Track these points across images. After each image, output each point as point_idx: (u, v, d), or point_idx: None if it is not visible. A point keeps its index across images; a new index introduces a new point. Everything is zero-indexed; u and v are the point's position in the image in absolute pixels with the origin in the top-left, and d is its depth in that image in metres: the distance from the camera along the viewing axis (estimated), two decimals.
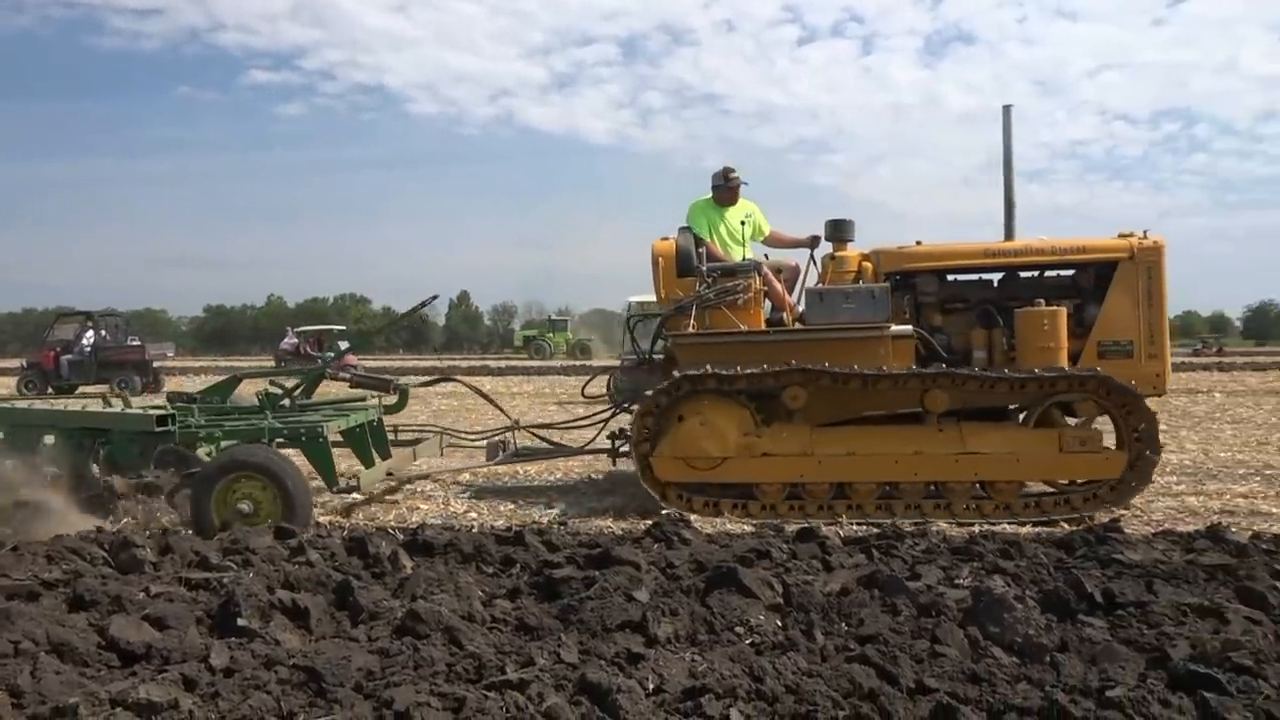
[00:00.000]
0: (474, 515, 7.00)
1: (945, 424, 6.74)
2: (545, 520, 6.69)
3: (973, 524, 6.38)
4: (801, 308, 7.30)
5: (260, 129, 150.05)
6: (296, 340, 32.26)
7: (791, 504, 6.74)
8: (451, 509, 7.25)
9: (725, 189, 7.76)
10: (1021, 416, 6.94)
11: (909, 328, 6.94)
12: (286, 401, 7.37)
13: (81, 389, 22.20)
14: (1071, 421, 6.81)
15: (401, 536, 5.14)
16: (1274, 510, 6.76)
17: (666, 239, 7.57)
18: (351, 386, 8.10)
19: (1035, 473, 6.72)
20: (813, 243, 7.71)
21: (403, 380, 8.31)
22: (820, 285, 7.31)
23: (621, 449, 7.70)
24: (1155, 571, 4.23)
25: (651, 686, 2.96)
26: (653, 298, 22.89)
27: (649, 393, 6.86)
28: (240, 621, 3.52)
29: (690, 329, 7.01)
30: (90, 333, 23.09)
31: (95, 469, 6.40)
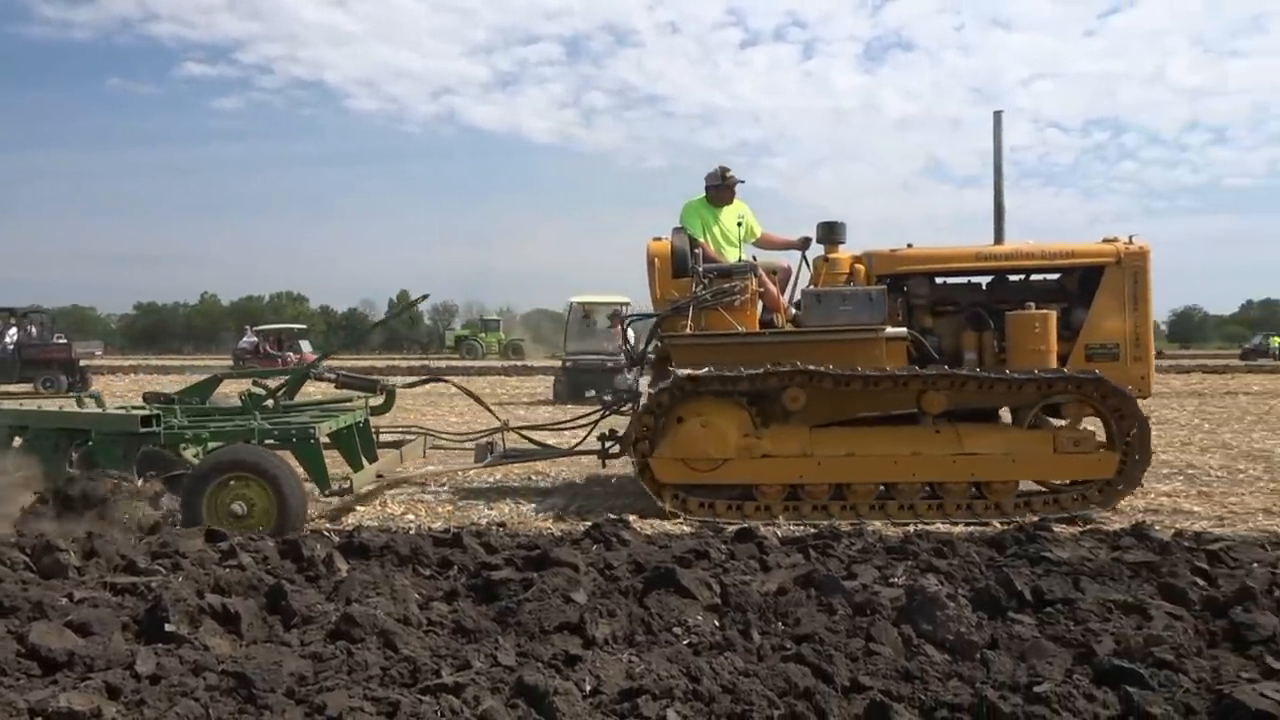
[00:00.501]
0: (411, 517, 6.93)
1: (942, 425, 6.84)
2: (484, 522, 6.64)
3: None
4: (793, 310, 7.39)
5: (196, 123, 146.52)
6: (256, 339, 31.93)
7: (791, 504, 6.78)
8: (389, 510, 7.17)
9: (722, 188, 7.75)
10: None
11: (904, 330, 7.04)
12: (270, 402, 7.21)
13: (4, 388, 21.52)
14: (1058, 423, 6.96)
15: (337, 539, 5.06)
16: (1196, 509, 6.96)
17: (660, 239, 7.54)
18: (337, 387, 7.97)
19: (1030, 473, 6.85)
20: (803, 244, 7.75)
21: (388, 381, 8.19)
22: (813, 287, 7.37)
23: (611, 450, 7.69)
24: (1082, 569, 4.33)
25: (589, 688, 2.96)
26: (595, 298, 22.73)
27: (651, 392, 6.84)
28: (168, 627, 3.44)
29: (687, 330, 7.04)
30: (13, 330, 22.41)
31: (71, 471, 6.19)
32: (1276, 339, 44.50)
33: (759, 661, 3.28)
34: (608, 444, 7.72)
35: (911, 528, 6.19)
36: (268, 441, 6.21)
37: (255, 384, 7.39)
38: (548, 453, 8.20)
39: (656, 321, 7.49)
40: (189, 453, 6.52)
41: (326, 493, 6.29)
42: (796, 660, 3.16)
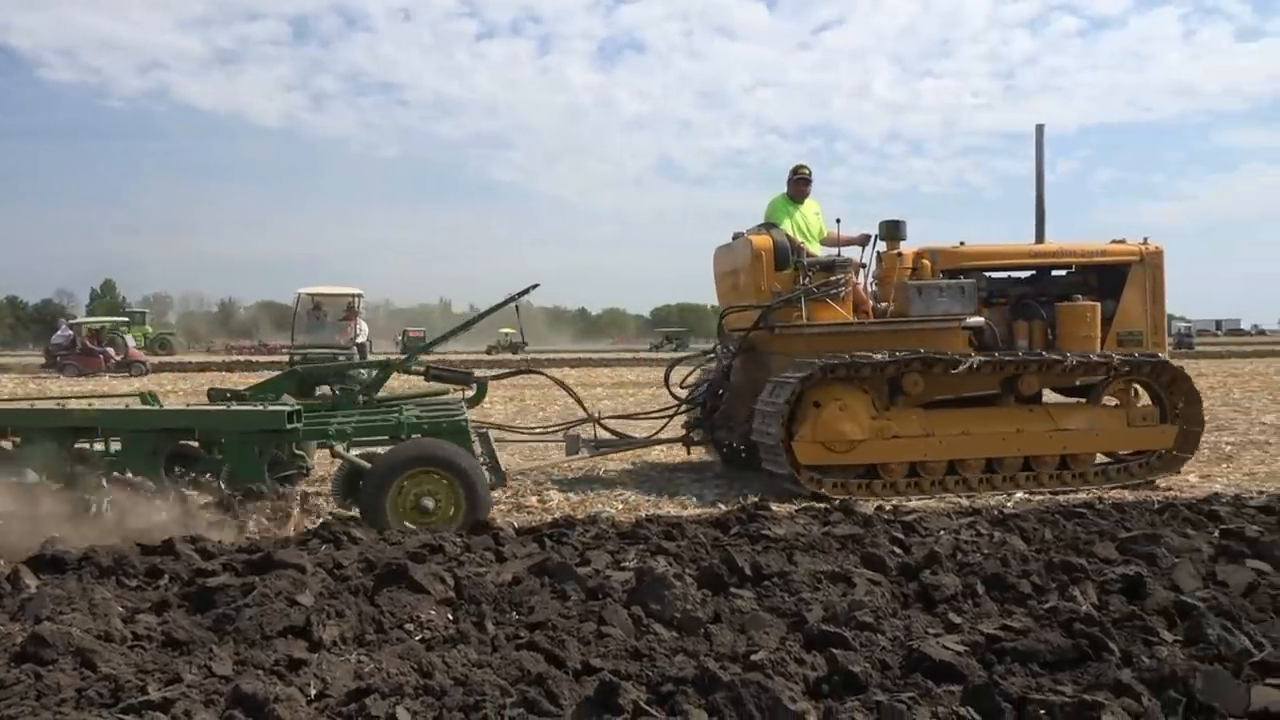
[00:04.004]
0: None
1: (1033, 405, 7.65)
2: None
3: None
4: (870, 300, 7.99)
5: None
6: (71, 333, 28.48)
7: (911, 481, 7.35)
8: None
9: (796, 182, 8.22)
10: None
11: (981, 319, 7.72)
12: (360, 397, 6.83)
13: None
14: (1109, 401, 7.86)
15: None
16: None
17: (757, 233, 7.97)
18: (427, 380, 7.46)
19: (1108, 444, 7.76)
20: (864, 241, 8.26)
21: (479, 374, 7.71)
22: (877, 280, 8.17)
23: (695, 438, 8.42)
24: (796, 544, 4.65)
25: (314, 692, 2.84)
26: (326, 289, 21.67)
27: (796, 377, 7.12)
28: None
29: (802, 320, 7.58)
30: None
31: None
32: None
33: (493, 652, 3.27)
34: (692, 432, 8.41)
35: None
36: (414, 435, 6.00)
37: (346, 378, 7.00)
38: (633, 443, 8.37)
39: (764, 311, 7.73)
40: (340, 448, 5.97)
41: None
42: (529, 648, 3.18)
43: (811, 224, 8.32)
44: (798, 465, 7.17)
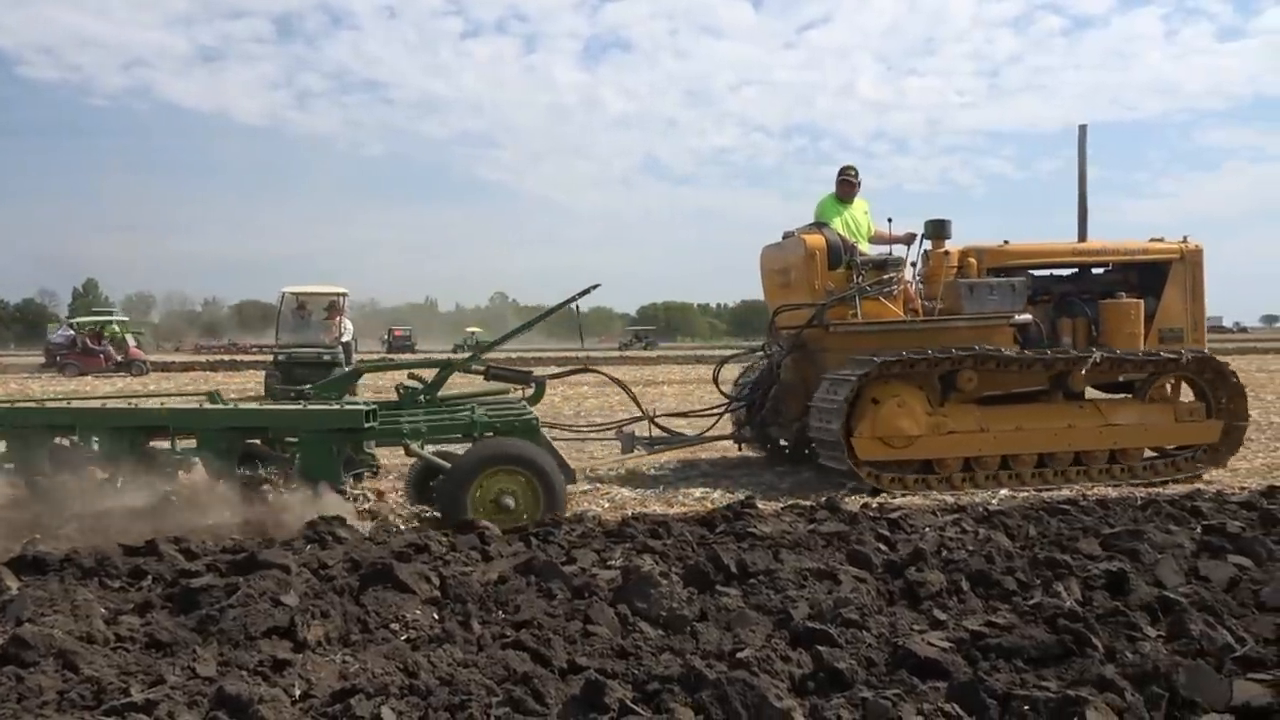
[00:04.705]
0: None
1: (1084, 401, 7.73)
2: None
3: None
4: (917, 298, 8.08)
5: None
6: (72, 333, 28.48)
7: (966, 475, 7.42)
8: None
9: (842, 183, 8.36)
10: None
11: (1029, 316, 7.81)
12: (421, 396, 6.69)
13: None
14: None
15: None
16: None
17: (809, 232, 8.04)
18: (487, 379, 7.44)
19: (1156, 439, 7.84)
20: (910, 239, 8.31)
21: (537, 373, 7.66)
22: (921, 278, 8.24)
23: (746, 435, 8.57)
24: (782, 542, 4.66)
25: (299, 692, 2.83)
26: (310, 288, 21.53)
27: (854, 375, 7.15)
28: None
29: (856, 318, 7.69)
30: None
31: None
32: None
33: (479, 651, 3.27)
34: (743, 429, 8.57)
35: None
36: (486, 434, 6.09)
37: (411, 376, 6.98)
38: (686, 440, 8.44)
39: (819, 309, 7.81)
40: (415, 446, 6.06)
41: None
42: (515, 646, 3.18)
43: (860, 223, 8.45)
44: (857, 460, 7.25)
